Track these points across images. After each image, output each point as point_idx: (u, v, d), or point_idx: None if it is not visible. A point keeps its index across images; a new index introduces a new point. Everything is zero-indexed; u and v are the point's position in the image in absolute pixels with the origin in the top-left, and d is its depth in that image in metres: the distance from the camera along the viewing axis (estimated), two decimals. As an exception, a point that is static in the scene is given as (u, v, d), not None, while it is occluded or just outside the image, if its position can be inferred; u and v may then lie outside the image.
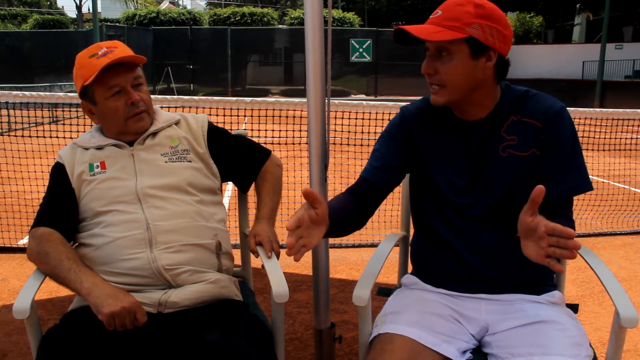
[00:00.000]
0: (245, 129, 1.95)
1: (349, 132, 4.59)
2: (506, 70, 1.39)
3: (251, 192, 1.83)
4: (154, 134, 1.63)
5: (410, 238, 1.80)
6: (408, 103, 1.56)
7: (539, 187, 1.14)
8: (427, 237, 1.53)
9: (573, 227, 1.39)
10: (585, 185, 1.40)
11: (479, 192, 1.43)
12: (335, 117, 4.44)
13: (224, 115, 4.02)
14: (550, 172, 1.38)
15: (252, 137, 1.88)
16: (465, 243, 1.44)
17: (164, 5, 33.00)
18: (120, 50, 1.54)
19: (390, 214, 3.72)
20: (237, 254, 1.80)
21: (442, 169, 1.46)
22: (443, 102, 1.39)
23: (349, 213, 1.44)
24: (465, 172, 1.43)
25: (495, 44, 1.32)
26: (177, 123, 1.68)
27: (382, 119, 4.49)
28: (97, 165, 1.57)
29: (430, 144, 1.48)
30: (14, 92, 3.49)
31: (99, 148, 1.60)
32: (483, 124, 1.42)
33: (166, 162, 1.59)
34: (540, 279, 1.47)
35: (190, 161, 1.62)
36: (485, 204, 1.42)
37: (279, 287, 1.45)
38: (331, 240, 1.86)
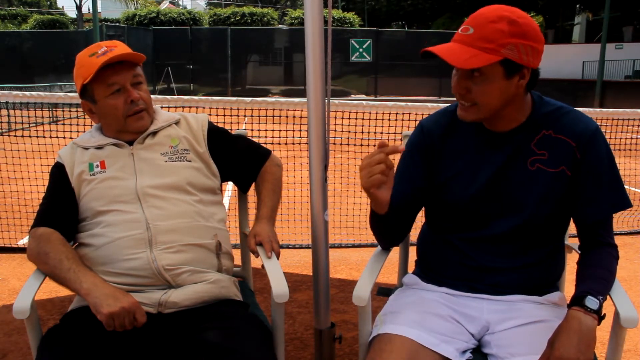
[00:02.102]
0: (245, 129, 1.95)
1: (349, 132, 4.59)
2: (536, 80, 1.35)
3: (251, 192, 1.82)
4: (154, 133, 1.62)
5: (412, 236, 1.80)
6: (425, 117, 1.53)
7: None
8: (436, 232, 1.52)
9: (616, 256, 1.39)
10: (624, 203, 1.39)
11: (500, 202, 1.40)
12: (335, 117, 4.44)
13: (224, 115, 4.01)
14: (588, 194, 1.37)
15: (252, 137, 1.88)
16: (476, 246, 1.43)
17: (164, 5, 33.00)
18: (120, 49, 1.54)
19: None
20: (237, 254, 1.80)
21: (464, 175, 1.43)
22: (472, 119, 1.36)
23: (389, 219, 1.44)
24: (488, 181, 1.40)
25: (530, 61, 1.28)
26: (177, 122, 1.68)
27: (382, 119, 4.52)
28: (97, 165, 1.57)
29: (454, 150, 1.45)
30: (14, 92, 3.49)
31: (99, 147, 1.60)
32: (513, 135, 1.39)
33: (166, 161, 1.59)
34: (548, 283, 1.47)
35: (190, 161, 1.62)
36: (506, 215, 1.40)
37: (279, 287, 1.44)
38: (331, 240, 1.86)
